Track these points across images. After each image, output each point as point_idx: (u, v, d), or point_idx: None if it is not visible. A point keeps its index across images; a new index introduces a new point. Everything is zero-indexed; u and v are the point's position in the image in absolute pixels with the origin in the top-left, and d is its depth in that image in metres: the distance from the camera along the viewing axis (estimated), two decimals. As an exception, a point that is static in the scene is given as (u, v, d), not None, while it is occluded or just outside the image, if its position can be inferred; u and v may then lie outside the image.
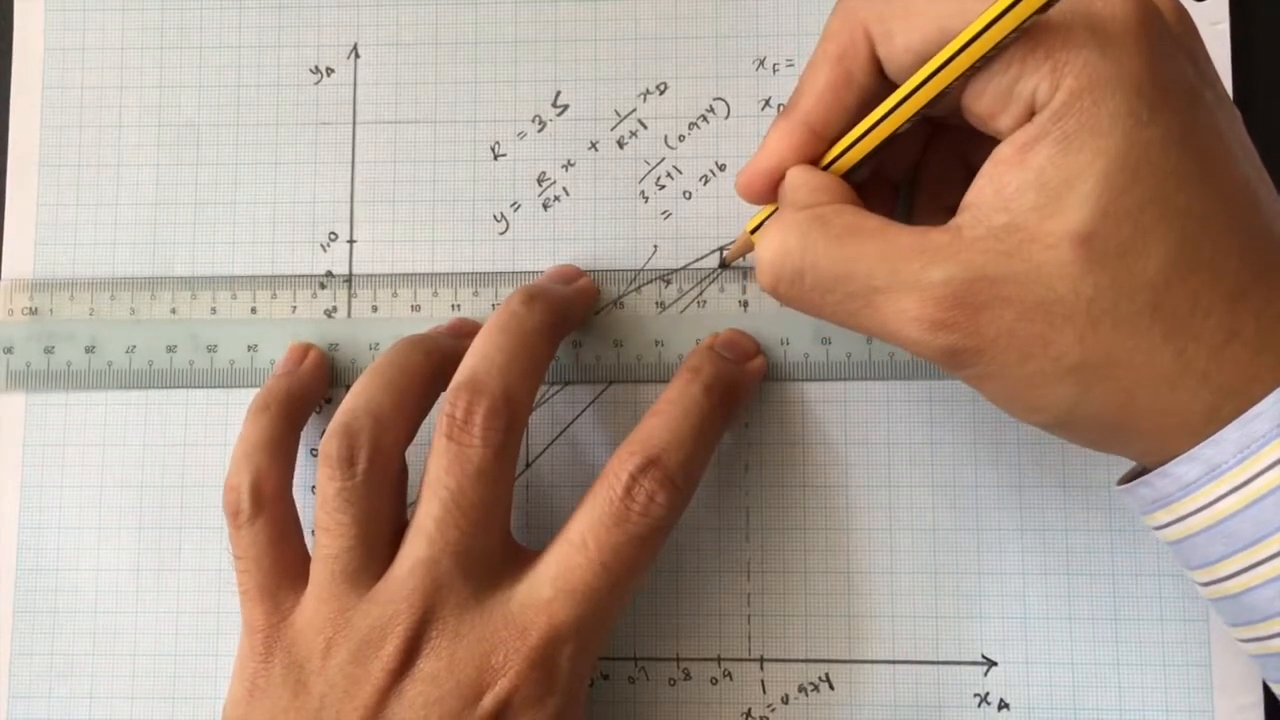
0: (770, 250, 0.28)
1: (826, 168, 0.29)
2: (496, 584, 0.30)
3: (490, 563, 0.30)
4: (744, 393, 0.34)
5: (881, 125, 0.28)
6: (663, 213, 0.36)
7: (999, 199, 0.26)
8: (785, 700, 0.34)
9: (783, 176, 0.30)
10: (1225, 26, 0.35)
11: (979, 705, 0.34)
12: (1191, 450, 0.26)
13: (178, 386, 0.36)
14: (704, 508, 0.35)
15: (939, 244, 0.26)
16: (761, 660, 0.34)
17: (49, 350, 0.36)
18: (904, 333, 0.26)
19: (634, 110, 0.36)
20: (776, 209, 0.30)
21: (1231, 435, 0.25)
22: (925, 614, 0.34)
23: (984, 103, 0.26)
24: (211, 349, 0.36)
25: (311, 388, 0.35)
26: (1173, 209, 0.25)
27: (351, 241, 0.36)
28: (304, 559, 0.32)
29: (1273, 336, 0.25)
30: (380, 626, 0.30)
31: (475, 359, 0.31)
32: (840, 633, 0.34)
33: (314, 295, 0.36)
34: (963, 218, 0.26)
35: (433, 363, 0.33)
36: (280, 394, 0.33)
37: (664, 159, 0.36)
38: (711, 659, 0.34)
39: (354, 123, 0.37)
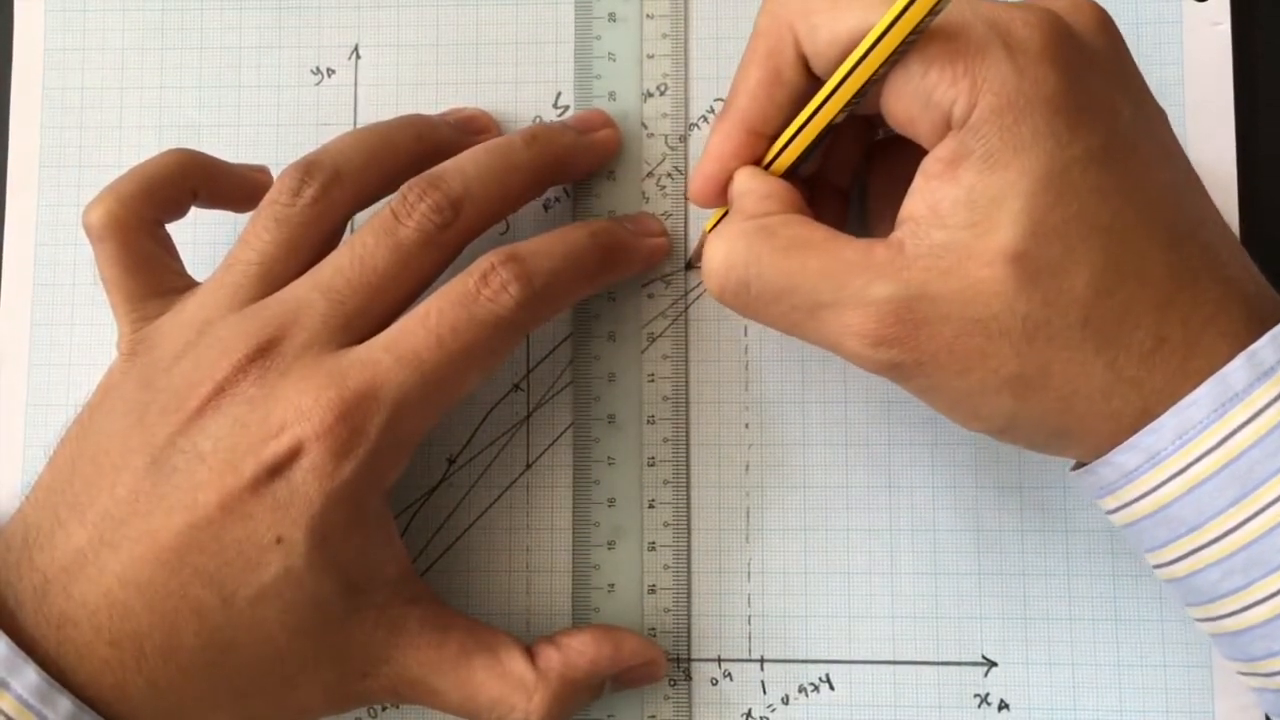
0: (717, 259, 0.28)
1: (768, 167, 0.29)
2: (349, 347, 0.29)
3: (357, 331, 0.30)
4: (630, 258, 0.34)
5: (812, 122, 0.28)
6: (663, 213, 0.36)
7: (935, 215, 0.26)
8: (785, 700, 0.34)
9: (731, 178, 0.30)
10: (1226, 27, 0.35)
11: (979, 705, 0.34)
12: (1131, 439, 0.26)
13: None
14: (704, 508, 0.35)
15: (881, 260, 0.26)
16: (761, 660, 0.34)
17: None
18: (847, 346, 0.27)
19: (634, 110, 0.36)
20: (728, 210, 0.30)
21: (1169, 422, 0.26)
22: (925, 614, 0.34)
23: (902, 105, 0.27)
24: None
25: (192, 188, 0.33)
26: (1096, 226, 0.26)
27: (352, 242, 0.36)
28: (176, 280, 0.32)
29: (1200, 340, 0.26)
30: (229, 340, 0.29)
31: (449, 165, 0.31)
32: (840, 633, 0.34)
33: (314, 296, 0.36)
34: (903, 231, 0.27)
35: (420, 148, 0.33)
36: (196, 159, 0.33)
37: (664, 159, 0.36)
38: (711, 659, 0.34)
39: (355, 124, 0.37)
